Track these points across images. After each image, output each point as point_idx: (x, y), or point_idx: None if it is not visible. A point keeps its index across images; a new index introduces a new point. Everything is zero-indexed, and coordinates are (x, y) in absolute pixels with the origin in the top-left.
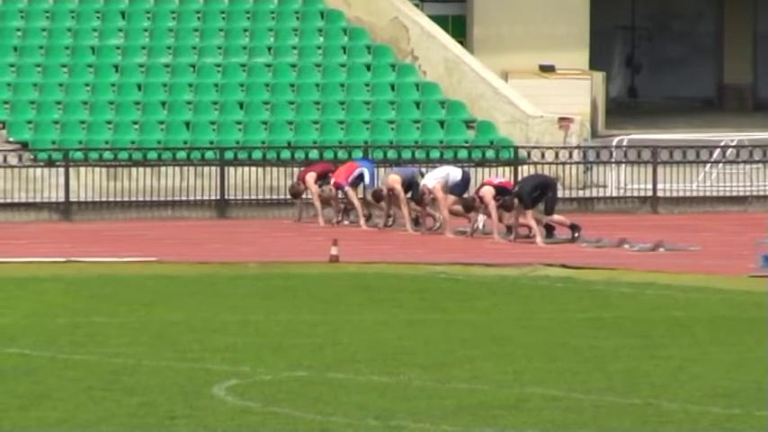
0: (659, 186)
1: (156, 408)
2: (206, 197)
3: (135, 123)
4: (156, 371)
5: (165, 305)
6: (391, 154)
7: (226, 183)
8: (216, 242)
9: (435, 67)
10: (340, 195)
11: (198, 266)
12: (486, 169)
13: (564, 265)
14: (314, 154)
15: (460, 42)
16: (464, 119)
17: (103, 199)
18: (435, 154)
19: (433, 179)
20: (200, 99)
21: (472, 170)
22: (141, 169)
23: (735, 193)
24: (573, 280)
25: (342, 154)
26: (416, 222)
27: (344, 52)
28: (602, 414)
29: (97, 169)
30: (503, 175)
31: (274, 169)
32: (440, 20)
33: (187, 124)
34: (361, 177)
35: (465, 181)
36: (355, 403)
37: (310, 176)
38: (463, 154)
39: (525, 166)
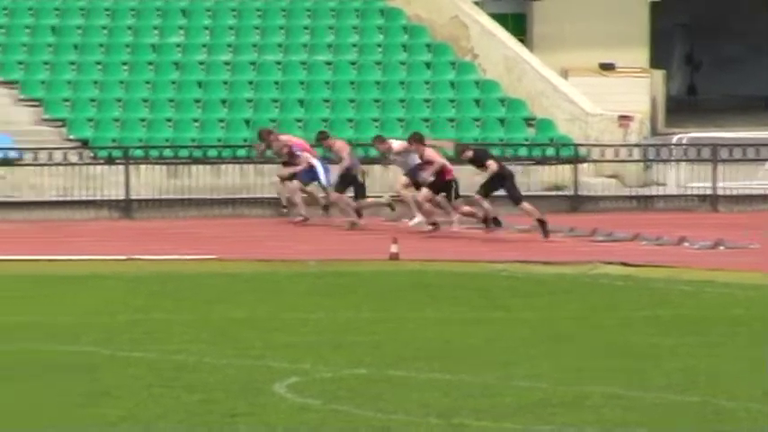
0: (719, 184)
1: (216, 405)
2: (266, 195)
3: (195, 121)
4: (217, 368)
5: (226, 303)
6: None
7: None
8: (275, 240)
9: (495, 65)
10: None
11: (258, 264)
12: (548, 167)
13: (623, 263)
14: (374, 151)
15: (520, 40)
16: (524, 117)
17: (164, 197)
18: (495, 152)
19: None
20: (260, 97)
21: (533, 168)
22: (201, 167)
23: None
24: (632, 278)
25: None
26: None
27: (404, 50)
28: (661, 412)
29: (157, 167)
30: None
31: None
32: (500, 18)
33: (247, 122)
34: (314, 173)
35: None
36: (416, 401)
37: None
38: (523, 152)
39: (585, 164)
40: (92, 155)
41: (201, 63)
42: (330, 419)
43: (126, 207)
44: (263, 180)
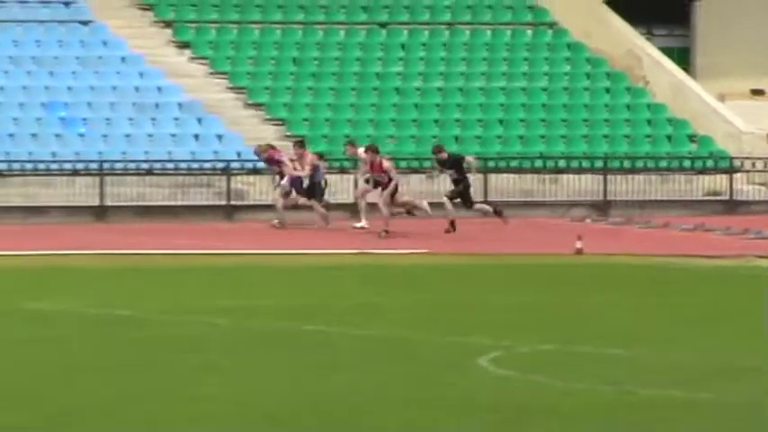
0: None
1: (430, 374)
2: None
3: (412, 137)
4: (430, 344)
5: (436, 290)
6: (627, 164)
7: (488, 187)
8: (479, 237)
9: (664, 91)
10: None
11: (463, 257)
12: (707, 176)
13: None
14: (562, 163)
15: (684, 69)
16: (687, 134)
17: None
18: (663, 164)
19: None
20: (467, 117)
21: (695, 177)
22: (418, 176)
23: None
24: None
25: (585, 163)
26: None
27: (587, 78)
28: None
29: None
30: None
31: (528, 176)
32: (667, 51)
33: (456, 138)
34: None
35: None
36: (592, 372)
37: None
38: (686, 163)
39: (739, 174)
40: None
41: (418, 89)
42: (525, 387)
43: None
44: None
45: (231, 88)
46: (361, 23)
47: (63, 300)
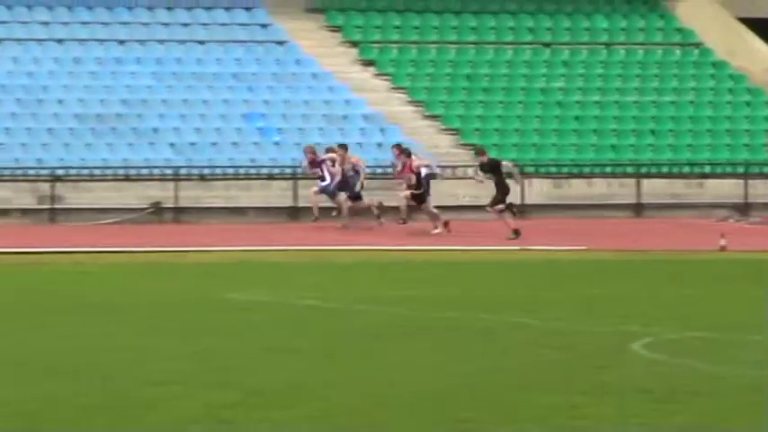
0: None
1: (586, 360)
2: (625, 201)
3: (574, 146)
4: (585, 332)
5: (591, 283)
6: (765, 169)
7: (641, 190)
8: (632, 235)
9: None
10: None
11: (618, 253)
12: None
13: None
14: (707, 169)
15: None
16: None
17: (549, 202)
18: None
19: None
20: (622, 128)
21: None
22: (577, 180)
23: None
24: None
25: (728, 169)
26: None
27: (730, 93)
28: None
29: (545, 180)
30: None
31: (677, 180)
32: None
33: (613, 146)
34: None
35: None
36: (737, 357)
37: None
38: None
39: None
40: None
41: (577, 102)
42: (675, 370)
43: (520, 210)
44: (623, 190)
45: (410, 102)
46: (527, 43)
47: (259, 291)
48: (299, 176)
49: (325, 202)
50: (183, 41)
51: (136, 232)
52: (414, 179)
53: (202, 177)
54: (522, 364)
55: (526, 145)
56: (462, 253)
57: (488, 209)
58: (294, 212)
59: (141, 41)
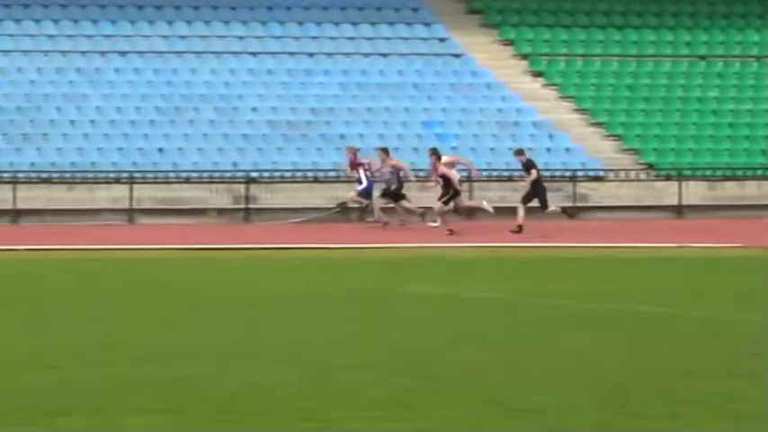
0: None
1: (741, 347)
2: None
3: (727, 150)
4: (740, 322)
5: (746, 277)
6: None
7: None
8: None
9: None
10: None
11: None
12: None
13: None
14: None
15: None
16: None
17: (704, 203)
18: None
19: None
20: None
21: None
22: (730, 182)
23: None
24: None
25: None
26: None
27: None
28: None
29: (701, 182)
30: None
31: None
32: None
33: (763, 151)
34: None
35: None
36: None
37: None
38: None
39: None
40: (655, 174)
41: (731, 111)
42: None
43: (678, 211)
44: None
45: (577, 110)
46: (684, 56)
47: (433, 285)
48: (474, 179)
49: (387, 203)
50: (367, 54)
51: (322, 230)
52: (441, 181)
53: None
54: (681, 352)
55: (683, 150)
56: (616, 250)
57: (549, 210)
58: (470, 213)
59: (329, 54)
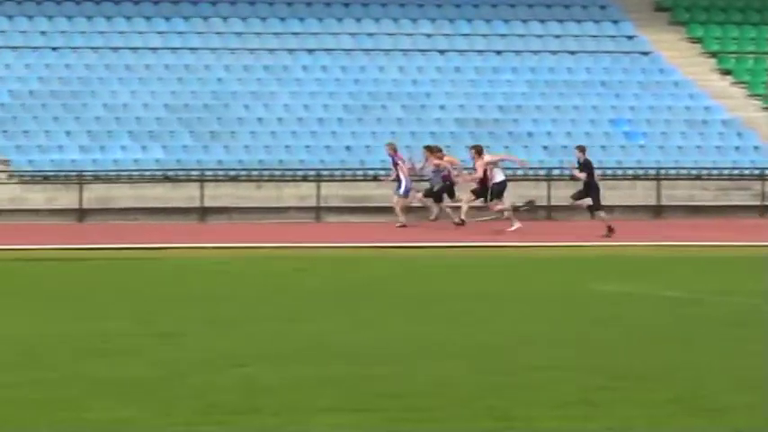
0: None
1: None
2: None
3: None
4: None
5: None
6: None
7: None
8: None
9: None
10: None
11: None
12: None
13: None
14: None
15: None
16: None
17: None
18: None
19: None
20: None
21: None
22: None
23: None
24: None
25: None
26: None
27: None
28: None
29: None
30: None
31: None
32: None
33: None
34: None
35: None
36: None
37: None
38: None
39: None
40: None
41: None
42: None
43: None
44: None
45: (765, 108)
46: None
47: (624, 283)
48: (662, 177)
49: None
50: (554, 52)
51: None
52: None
53: (572, 178)
54: None
55: None
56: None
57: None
58: (658, 211)
59: (517, 52)
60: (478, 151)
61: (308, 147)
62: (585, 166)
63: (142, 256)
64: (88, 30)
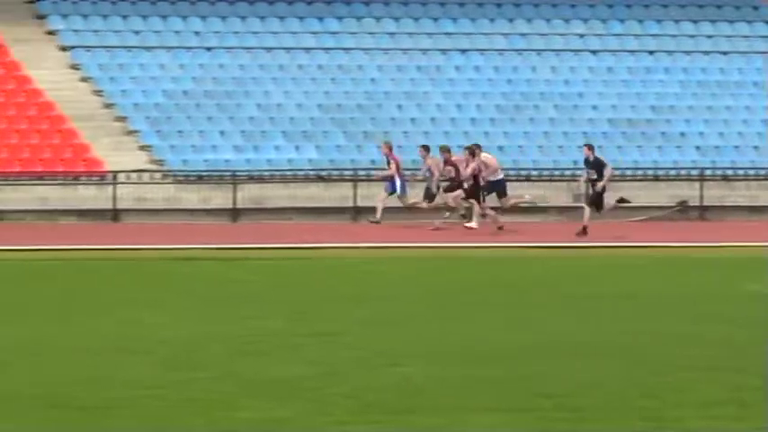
0: None
1: None
2: None
3: None
4: None
5: None
6: None
7: None
8: None
9: None
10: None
11: None
12: None
13: None
14: None
15: None
16: None
17: None
18: None
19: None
20: None
21: None
22: None
23: None
24: None
25: None
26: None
27: None
28: None
29: None
30: None
31: None
32: None
33: None
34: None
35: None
36: None
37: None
38: None
39: None
40: None
41: None
42: None
43: None
44: None
45: None
46: None
47: None
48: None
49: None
50: (707, 52)
51: (663, 228)
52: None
53: (725, 178)
54: None
55: None
56: None
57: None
58: None
59: (669, 52)
60: (472, 152)
61: (461, 147)
62: (596, 164)
63: (296, 255)
64: (242, 30)
